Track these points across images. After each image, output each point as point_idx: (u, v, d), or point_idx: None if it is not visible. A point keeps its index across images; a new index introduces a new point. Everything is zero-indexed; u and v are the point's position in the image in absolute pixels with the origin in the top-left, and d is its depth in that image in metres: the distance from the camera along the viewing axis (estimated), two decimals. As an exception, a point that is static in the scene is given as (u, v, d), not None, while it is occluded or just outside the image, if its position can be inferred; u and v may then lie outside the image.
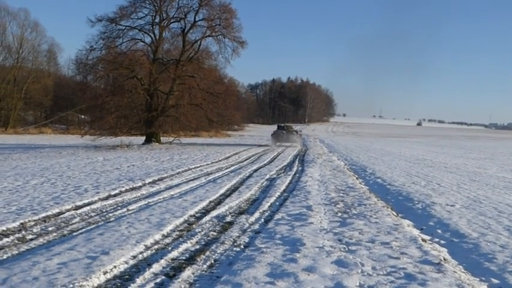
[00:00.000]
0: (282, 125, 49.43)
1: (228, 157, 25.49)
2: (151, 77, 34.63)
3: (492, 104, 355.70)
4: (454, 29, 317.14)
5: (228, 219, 8.63)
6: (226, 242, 6.82)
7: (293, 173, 17.53)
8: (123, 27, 34.63)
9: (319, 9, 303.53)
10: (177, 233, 7.45)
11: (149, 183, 13.71)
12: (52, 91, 65.41)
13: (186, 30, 36.56)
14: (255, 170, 18.09)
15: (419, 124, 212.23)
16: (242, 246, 6.58)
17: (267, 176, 15.95)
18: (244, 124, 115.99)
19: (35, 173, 15.56)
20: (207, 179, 14.89)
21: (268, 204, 10.43)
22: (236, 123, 41.96)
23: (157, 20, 35.67)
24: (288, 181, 14.75)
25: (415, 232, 7.78)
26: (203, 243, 6.85)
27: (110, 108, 31.81)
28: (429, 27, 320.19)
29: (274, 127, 52.37)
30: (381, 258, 5.97)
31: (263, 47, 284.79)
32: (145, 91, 34.50)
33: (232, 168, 19.17)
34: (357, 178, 16.36)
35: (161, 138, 37.63)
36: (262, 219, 8.64)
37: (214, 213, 9.08)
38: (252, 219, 8.64)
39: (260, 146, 42.48)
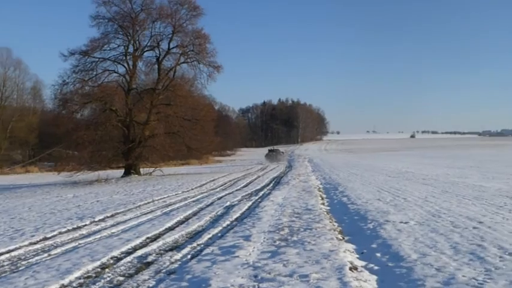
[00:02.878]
0: (272, 148, 69.17)
1: (203, 185, 24.74)
2: (126, 108, 34.04)
3: (485, 112, 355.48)
4: (443, 43, 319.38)
5: (150, 258, 7.86)
6: (125, 289, 6.07)
7: (257, 197, 16.80)
8: (96, 59, 34.15)
9: (305, 29, 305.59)
10: (81, 281, 6.67)
11: (98, 220, 12.95)
12: (37, 128, 64.68)
13: (160, 58, 36.14)
14: (220, 198, 17.33)
15: (412, 136, 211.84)
16: (140, 293, 5.84)
17: (227, 204, 15.20)
18: (236, 148, 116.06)
19: (-14, 217, 14.80)
20: (163, 212, 14.14)
21: (209, 236, 9.68)
22: (216, 148, 41.18)
23: (130, 50, 35.26)
24: (246, 207, 14.02)
25: (349, 259, 7.03)
26: (100, 291, 6.10)
27: (84, 143, 31.08)
28: (417, 42, 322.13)
29: (266, 150, 69.76)
30: (287, 296, 5.23)
31: (253, 70, 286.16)
32: (121, 122, 33.87)
33: (199, 196, 18.43)
34: (322, 198, 15.63)
35: (142, 169, 36.88)
36: (189, 256, 7.89)
37: (140, 252, 8.33)
38: (178, 256, 7.89)
39: (244, 170, 41.85)
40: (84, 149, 31.07)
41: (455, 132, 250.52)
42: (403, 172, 28.00)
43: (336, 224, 10.47)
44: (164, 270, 6.96)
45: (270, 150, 63.12)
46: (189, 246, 8.71)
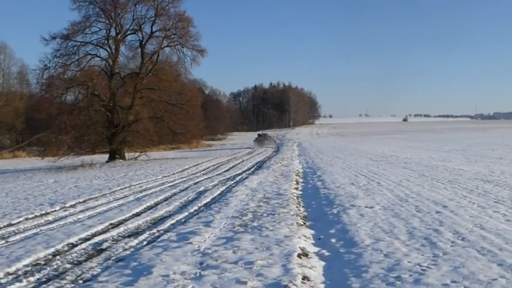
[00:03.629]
0: (260, 133, 71.66)
1: (185, 169, 24.61)
2: (110, 93, 33.72)
3: (477, 95, 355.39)
4: (435, 24, 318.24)
5: (105, 245, 7.75)
6: (68, 278, 5.96)
7: (233, 182, 16.72)
8: (78, 43, 33.63)
9: (297, 12, 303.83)
10: (28, 268, 6.55)
11: (69, 206, 12.79)
12: (23, 113, 64.05)
13: (144, 42, 35.71)
14: (197, 183, 17.24)
15: (405, 120, 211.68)
16: (81, 282, 5.73)
17: (202, 189, 15.11)
18: (227, 132, 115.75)
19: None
20: (136, 197, 14.01)
21: (172, 222, 9.60)
22: (201, 133, 40.95)
23: (112, 34, 34.77)
24: (218, 192, 13.95)
25: (302, 245, 6.95)
26: (43, 280, 5.97)
27: (66, 127, 30.78)
28: (409, 21, 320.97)
29: (256, 134, 71.01)
30: (225, 285, 5.14)
31: (244, 53, 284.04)
32: (105, 107, 33.56)
33: (177, 181, 18.32)
34: (297, 183, 15.55)
35: (128, 153, 36.64)
36: (145, 242, 7.80)
37: (97, 238, 8.22)
38: (133, 243, 7.79)
39: (231, 154, 41.74)
40: (66, 134, 30.80)
41: (448, 116, 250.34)
42: (387, 156, 27.97)
43: (302, 209, 10.40)
44: (114, 258, 6.85)
45: (259, 135, 65.35)
46: (149, 232, 8.62)
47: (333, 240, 7.29)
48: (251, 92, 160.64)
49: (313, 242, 7.42)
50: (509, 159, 22.29)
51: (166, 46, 35.71)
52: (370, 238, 7.06)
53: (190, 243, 7.20)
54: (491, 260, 5.65)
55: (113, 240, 8.10)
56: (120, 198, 13.89)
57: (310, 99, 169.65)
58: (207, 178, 18.95)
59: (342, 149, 40.91)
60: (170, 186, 16.72)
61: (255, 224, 8.52)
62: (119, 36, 34.82)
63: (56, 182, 21.36)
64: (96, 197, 14.40)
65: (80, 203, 13.38)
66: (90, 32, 33.78)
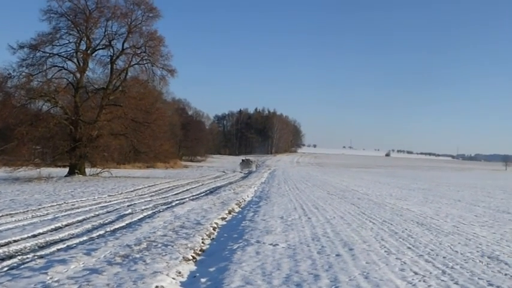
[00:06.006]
0: (244, 158, 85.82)
1: (136, 189, 23.93)
2: (74, 106, 33.06)
3: (460, 136, 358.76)
4: (423, 60, 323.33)
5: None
6: None
7: (166, 207, 16.10)
8: (46, 54, 32.99)
9: (285, 39, 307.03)
10: None
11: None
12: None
13: (114, 58, 35.22)
14: (131, 205, 16.57)
15: (387, 155, 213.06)
16: None
17: (128, 211, 14.52)
18: (208, 155, 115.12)
19: None
20: (55, 216, 13.32)
21: (61, 247, 8.97)
22: (165, 154, 39.94)
23: (82, 47, 34.26)
24: (140, 217, 13.34)
25: (164, 283, 6.35)
26: None
27: (23, 138, 29.93)
28: (396, 55, 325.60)
29: (239, 158, 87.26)
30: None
31: (231, 78, 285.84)
32: (68, 120, 32.82)
33: (114, 202, 17.63)
34: (230, 212, 14.97)
35: (90, 169, 35.77)
36: (6, 268, 7.18)
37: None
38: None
39: (198, 177, 41.02)
40: (23, 145, 29.91)
41: (430, 154, 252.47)
42: (347, 190, 27.53)
43: (206, 242, 9.80)
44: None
45: (243, 160, 77.31)
46: (23, 257, 8.00)
47: (204, 279, 6.71)
48: (235, 116, 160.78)
49: (183, 280, 6.82)
50: (466, 202, 22.00)
51: (135, 64, 35.27)
52: (241, 281, 6.49)
53: (46, 273, 6.57)
54: (342, 316, 5.12)
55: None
56: (39, 216, 13.20)
57: (294, 127, 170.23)
58: (149, 200, 18.30)
59: (309, 179, 40.50)
60: (102, 206, 16.04)
61: (137, 255, 7.91)
62: (89, 50, 34.33)
63: (-2, 195, 20.53)
64: (16, 213, 13.71)
65: (-7, 220, 12.65)
66: (58, 44, 33.23)
